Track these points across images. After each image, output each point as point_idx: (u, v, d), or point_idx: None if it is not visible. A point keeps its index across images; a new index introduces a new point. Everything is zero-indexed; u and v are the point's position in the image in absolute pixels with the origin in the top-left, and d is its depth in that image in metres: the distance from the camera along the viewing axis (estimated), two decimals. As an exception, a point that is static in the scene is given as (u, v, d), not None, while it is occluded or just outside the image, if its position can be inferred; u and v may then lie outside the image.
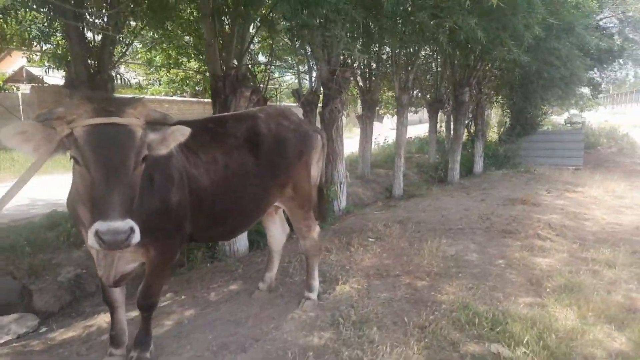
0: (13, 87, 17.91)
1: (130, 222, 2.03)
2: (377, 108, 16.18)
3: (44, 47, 7.78)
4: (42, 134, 2.07)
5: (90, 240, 2.00)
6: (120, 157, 2.10)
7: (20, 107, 16.29)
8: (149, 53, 11.09)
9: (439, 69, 14.70)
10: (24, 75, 19.71)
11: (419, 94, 16.22)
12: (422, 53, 13.18)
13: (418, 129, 25.89)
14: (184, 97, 22.61)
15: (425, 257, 5.09)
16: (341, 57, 7.98)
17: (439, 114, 17.29)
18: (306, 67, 10.02)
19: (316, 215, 4.34)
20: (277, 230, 4.18)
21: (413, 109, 18.59)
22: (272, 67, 9.93)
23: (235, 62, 5.70)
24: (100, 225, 1.98)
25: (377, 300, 3.94)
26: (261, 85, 7.15)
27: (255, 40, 8.80)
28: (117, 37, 6.59)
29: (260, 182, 3.40)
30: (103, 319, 4.11)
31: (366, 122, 11.52)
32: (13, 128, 2.02)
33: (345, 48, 7.10)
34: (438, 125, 18.42)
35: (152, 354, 3.07)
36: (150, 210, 2.65)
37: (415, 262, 5.01)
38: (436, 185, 12.38)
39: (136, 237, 2.06)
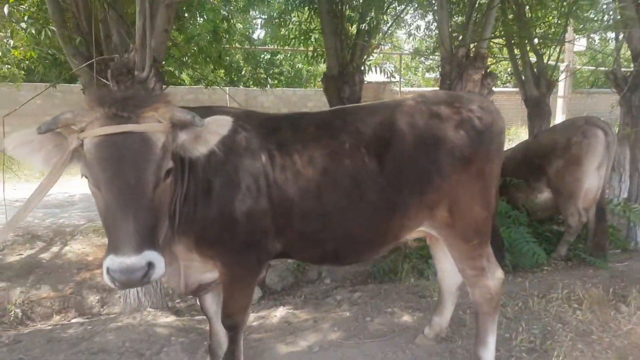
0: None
1: (148, 256, 1.74)
2: None
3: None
4: (52, 142, 1.86)
5: (104, 277, 1.77)
6: (135, 174, 1.79)
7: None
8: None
9: None
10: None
11: None
12: None
13: None
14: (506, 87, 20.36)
15: None
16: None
17: None
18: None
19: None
20: (450, 263, 3.02)
21: None
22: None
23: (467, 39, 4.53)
24: (111, 261, 1.72)
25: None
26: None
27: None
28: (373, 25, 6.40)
29: (386, 197, 2.48)
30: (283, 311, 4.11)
31: None
32: (18, 137, 1.82)
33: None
34: None
35: None
36: (206, 221, 2.30)
37: None
38: None
39: (157, 272, 1.78)
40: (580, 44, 13.95)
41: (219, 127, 2.00)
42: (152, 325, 3.80)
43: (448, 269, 3.04)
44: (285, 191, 2.39)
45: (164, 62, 4.52)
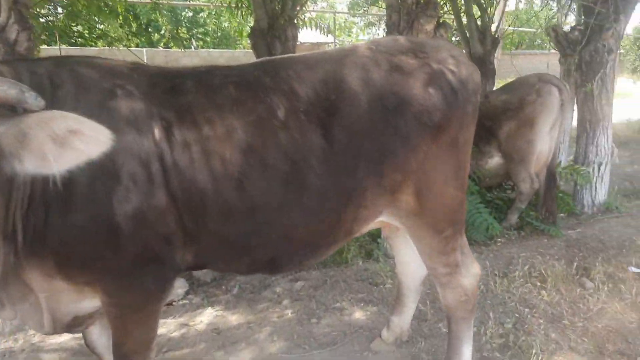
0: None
1: None
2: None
3: None
4: None
5: None
6: None
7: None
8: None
9: None
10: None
11: None
12: None
13: None
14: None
15: None
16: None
17: None
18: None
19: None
20: (411, 254, 2.44)
21: None
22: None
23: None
24: None
25: None
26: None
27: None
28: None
29: (335, 182, 1.81)
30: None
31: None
32: None
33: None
34: None
35: None
36: (68, 233, 1.53)
37: None
38: None
39: None
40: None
41: (67, 130, 1.24)
42: (38, 349, 2.97)
43: (409, 261, 2.49)
44: (191, 179, 1.65)
45: (37, 9, 3.46)
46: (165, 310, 3.57)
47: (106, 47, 13.73)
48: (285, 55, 2.22)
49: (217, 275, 4.75)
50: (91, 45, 13.91)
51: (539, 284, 3.40)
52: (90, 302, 1.77)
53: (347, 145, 1.81)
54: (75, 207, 1.51)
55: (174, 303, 3.87)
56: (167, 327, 3.25)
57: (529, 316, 2.98)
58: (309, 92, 1.81)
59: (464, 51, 2.21)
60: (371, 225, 2.14)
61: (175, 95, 1.73)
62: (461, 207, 2.12)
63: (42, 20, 5.60)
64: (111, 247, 1.59)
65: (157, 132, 1.62)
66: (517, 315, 3.00)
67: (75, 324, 1.89)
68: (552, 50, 12.42)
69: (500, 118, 4.80)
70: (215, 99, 1.75)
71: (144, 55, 11.51)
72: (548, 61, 16.38)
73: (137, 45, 14.02)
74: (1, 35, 2.86)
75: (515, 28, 13.64)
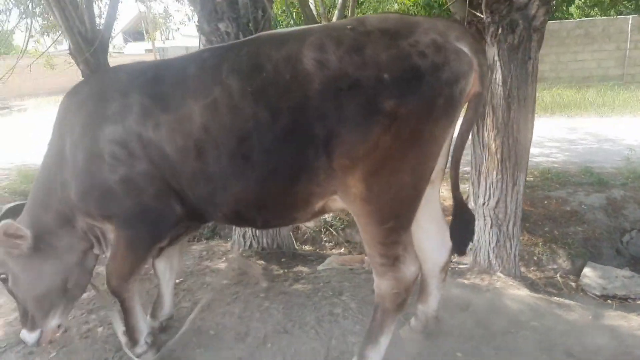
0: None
1: None
2: None
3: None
4: None
5: None
6: None
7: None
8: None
9: None
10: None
11: None
12: None
13: None
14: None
15: None
16: None
17: None
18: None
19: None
20: (430, 239, 2.45)
21: None
22: None
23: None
24: None
25: None
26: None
27: None
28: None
29: (284, 159, 2.01)
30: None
31: None
32: None
33: None
34: None
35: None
36: (80, 193, 2.33)
37: None
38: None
39: None
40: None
41: None
42: (499, 294, 3.37)
43: (427, 248, 2.47)
44: (163, 152, 2.17)
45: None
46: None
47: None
48: (268, 33, 2.33)
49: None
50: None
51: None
52: None
53: (295, 126, 1.91)
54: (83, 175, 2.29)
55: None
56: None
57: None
58: (270, 70, 1.92)
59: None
60: (334, 204, 2.19)
61: (153, 84, 2.21)
62: (411, 203, 2.06)
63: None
64: (111, 200, 2.28)
65: (136, 117, 2.18)
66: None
67: None
68: None
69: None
70: (183, 84, 2.13)
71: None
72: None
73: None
74: (523, 13, 3.20)
75: None
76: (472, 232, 2.39)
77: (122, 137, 2.19)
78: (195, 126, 2.07)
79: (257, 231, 4.30)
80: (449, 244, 2.43)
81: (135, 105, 2.19)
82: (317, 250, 5.75)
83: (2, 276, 2.46)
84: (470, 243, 3.05)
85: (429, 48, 1.82)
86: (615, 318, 3.14)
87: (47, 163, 2.48)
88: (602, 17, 14.64)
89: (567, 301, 3.56)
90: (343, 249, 6.02)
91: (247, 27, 3.73)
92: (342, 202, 2.11)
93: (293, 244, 4.76)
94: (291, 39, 1.98)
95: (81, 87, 2.49)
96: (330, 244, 6.17)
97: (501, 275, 3.71)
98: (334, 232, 6.11)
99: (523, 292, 3.50)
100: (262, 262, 4.18)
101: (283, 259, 4.27)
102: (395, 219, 2.04)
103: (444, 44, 1.85)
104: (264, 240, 4.38)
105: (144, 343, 2.61)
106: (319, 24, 2.18)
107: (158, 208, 2.30)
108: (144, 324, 2.65)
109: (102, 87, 2.39)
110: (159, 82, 2.22)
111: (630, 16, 13.89)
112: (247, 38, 2.39)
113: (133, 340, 2.60)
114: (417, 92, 1.81)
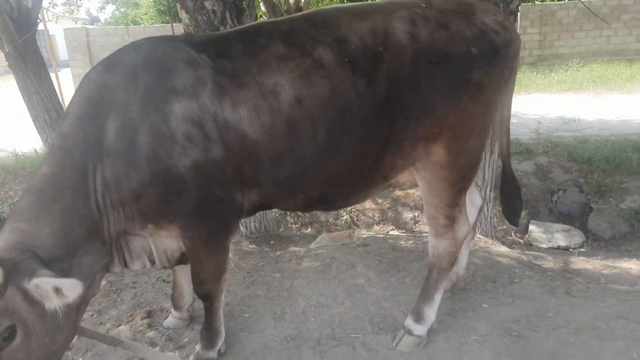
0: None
1: None
2: None
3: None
4: None
5: None
6: None
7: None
8: None
9: None
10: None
11: None
12: None
13: None
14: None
15: None
16: None
17: None
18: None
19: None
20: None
21: None
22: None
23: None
24: None
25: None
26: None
27: None
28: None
29: (378, 129, 2.04)
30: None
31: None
32: None
33: None
34: None
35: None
36: (139, 187, 1.95)
37: None
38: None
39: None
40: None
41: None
42: (488, 252, 3.70)
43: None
44: (243, 133, 1.96)
45: None
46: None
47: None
48: (334, 7, 2.35)
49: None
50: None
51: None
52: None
53: (390, 95, 1.98)
54: (138, 167, 1.94)
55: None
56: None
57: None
58: (356, 41, 1.96)
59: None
60: (404, 176, 2.32)
61: (224, 58, 1.97)
62: (477, 164, 2.30)
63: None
64: (177, 193, 1.99)
65: (209, 94, 1.92)
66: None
67: (184, 258, 2.28)
68: None
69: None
70: (262, 57, 1.97)
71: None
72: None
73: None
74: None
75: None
76: (521, 202, 2.66)
77: (198, 115, 1.90)
78: (284, 101, 1.93)
79: (244, 216, 4.25)
80: (478, 202, 2.71)
81: (209, 80, 1.92)
82: (284, 231, 5.81)
83: (6, 332, 1.64)
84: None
85: (498, 26, 2.09)
86: (582, 262, 3.72)
87: (66, 162, 1.91)
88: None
89: (538, 253, 4.13)
90: (310, 229, 6.15)
91: (233, 4, 3.65)
92: (417, 172, 2.22)
93: (276, 227, 4.78)
94: (371, 13, 2.05)
95: (120, 59, 2.00)
96: (297, 225, 6.25)
97: (481, 236, 4.12)
98: (300, 213, 6.19)
99: (503, 249, 3.95)
100: (254, 245, 4.19)
101: (272, 242, 4.31)
102: (464, 180, 2.24)
103: (505, 24, 2.14)
104: (252, 225, 4.35)
105: (218, 349, 2.40)
106: (383, 1, 2.22)
107: (226, 199, 2.07)
108: (223, 328, 2.45)
109: (158, 56, 2.00)
110: (226, 56, 1.98)
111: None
112: (304, 13, 2.37)
113: (212, 344, 2.38)
114: (496, 64, 2.07)
